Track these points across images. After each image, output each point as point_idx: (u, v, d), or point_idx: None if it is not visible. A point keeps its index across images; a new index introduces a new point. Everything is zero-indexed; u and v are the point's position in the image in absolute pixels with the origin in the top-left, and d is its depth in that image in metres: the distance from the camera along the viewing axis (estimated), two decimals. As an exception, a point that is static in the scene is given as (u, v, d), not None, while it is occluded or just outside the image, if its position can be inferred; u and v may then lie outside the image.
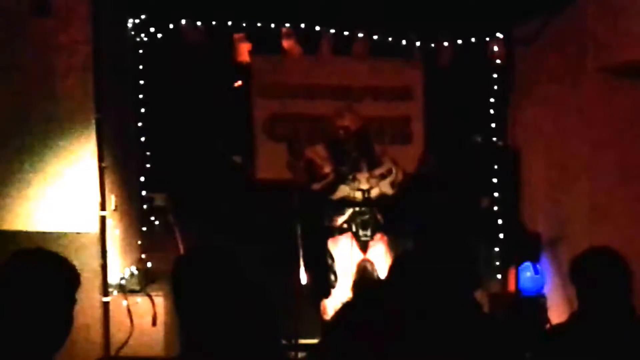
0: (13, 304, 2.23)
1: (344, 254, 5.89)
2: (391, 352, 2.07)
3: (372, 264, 5.90)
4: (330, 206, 5.98)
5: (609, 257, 3.15)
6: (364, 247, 5.92)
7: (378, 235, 5.96)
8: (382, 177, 6.01)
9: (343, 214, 5.94)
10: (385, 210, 6.05)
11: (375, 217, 5.98)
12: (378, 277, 5.79)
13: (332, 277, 5.94)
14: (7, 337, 2.21)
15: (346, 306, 2.28)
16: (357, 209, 5.92)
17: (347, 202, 5.93)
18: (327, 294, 5.95)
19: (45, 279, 2.28)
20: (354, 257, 5.89)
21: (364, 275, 5.82)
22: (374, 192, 5.96)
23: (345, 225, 5.94)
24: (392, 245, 6.03)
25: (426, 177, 6.23)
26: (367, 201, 5.93)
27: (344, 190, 5.92)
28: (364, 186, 5.94)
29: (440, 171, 6.31)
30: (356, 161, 5.95)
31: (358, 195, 5.92)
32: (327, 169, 5.93)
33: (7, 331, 2.21)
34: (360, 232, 5.91)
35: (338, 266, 5.92)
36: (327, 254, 5.98)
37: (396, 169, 6.08)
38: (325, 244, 6.00)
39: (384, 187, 6.00)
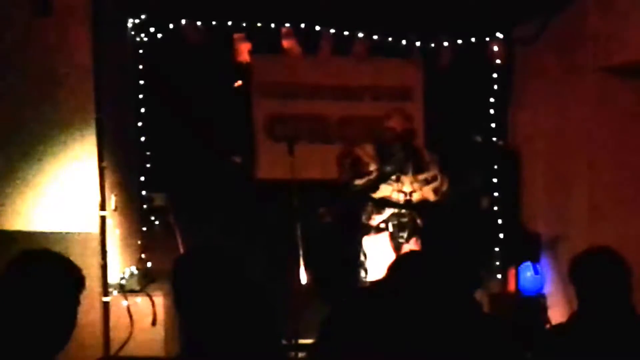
0: (18, 304, 2.25)
1: (379, 252, 5.85)
2: (391, 352, 2.07)
3: None
4: (371, 205, 5.94)
5: (609, 257, 3.15)
6: (397, 248, 5.89)
7: (413, 239, 5.93)
8: (427, 182, 5.96)
9: (382, 213, 5.92)
10: (426, 215, 6.02)
11: (414, 221, 5.94)
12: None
13: (363, 274, 5.92)
14: (12, 337, 2.22)
15: (344, 305, 2.28)
16: (396, 210, 5.89)
17: (388, 202, 5.91)
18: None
19: (51, 280, 2.29)
20: (388, 256, 5.85)
21: None
22: (416, 196, 5.92)
23: (382, 225, 5.92)
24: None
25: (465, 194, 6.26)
26: (408, 204, 5.90)
27: (386, 190, 5.89)
28: (407, 189, 5.89)
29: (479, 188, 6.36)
30: (402, 162, 5.91)
31: (400, 197, 5.89)
32: (372, 167, 5.92)
33: (12, 331, 2.23)
34: (398, 234, 5.89)
35: (370, 263, 5.89)
36: (361, 251, 5.96)
37: (442, 176, 6.03)
38: (360, 241, 5.96)
39: (427, 193, 5.95)
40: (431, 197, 5.96)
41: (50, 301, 2.27)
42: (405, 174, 5.91)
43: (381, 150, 5.96)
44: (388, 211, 5.90)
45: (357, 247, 5.94)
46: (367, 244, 5.93)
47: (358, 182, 5.90)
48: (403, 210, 5.89)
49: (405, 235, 5.89)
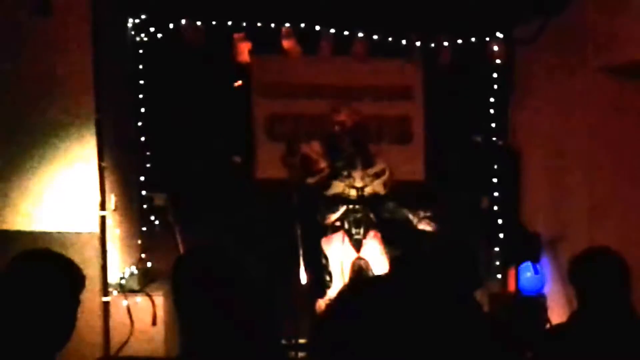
0: (19, 303, 2.26)
1: (337, 252, 5.87)
2: (390, 352, 2.07)
3: (366, 262, 5.89)
4: (324, 203, 5.96)
5: (609, 257, 3.15)
6: (357, 245, 5.91)
7: (371, 233, 5.94)
8: (377, 176, 6.01)
9: (336, 211, 5.93)
10: (377, 208, 6.03)
11: (368, 216, 5.97)
12: (373, 275, 5.78)
13: (327, 277, 5.93)
14: (12, 336, 2.22)
15: (337, 303, 2.28)
16: (350, 206, 5.90)
17: (341, 199, 5.92)
18: (322, 294, 5.94)
19: (51, 280, 2.30)
20: (347, 255, 5.88)
21: (359, 274, 5.81)
22: (368, 190, 5.95)
23: (337, 223, 5.92)
24: (385, 242, 6.02)
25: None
26: (360, 199, 5.92)
27: (338, 187, 5.91)
28: (359, 184, 5.93)
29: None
30: (351, 157, 5.93)
31: (352, 192, 5.90)
32: (322, 164, 5.91)
33: (12, 330, 2.23)
34: (353, 230, 5.90)
35: (332, 265, 5.90)
36: (321, 254, 5.97)
37: (388, 169, 6.07)
38: (319, 244, 5.98)
39: (377, 187, 6.00)
40: (381, 190, 6.00)
41: (51, 301, 2.28)
42: (355, 169, 5.92)
43: (328, 145, 5.96)
44: (342, 209, 5.91)
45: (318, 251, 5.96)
46: (326, 246, 5.93)
47: (310, 180, 5.90)
48: (357, 206, 5.89)
49: (361, 231, 5.90)
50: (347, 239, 5.88)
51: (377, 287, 1.68)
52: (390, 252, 5.95)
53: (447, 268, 3.07)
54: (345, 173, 5.90)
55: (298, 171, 5.93)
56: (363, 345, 1.94)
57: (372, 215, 5.98)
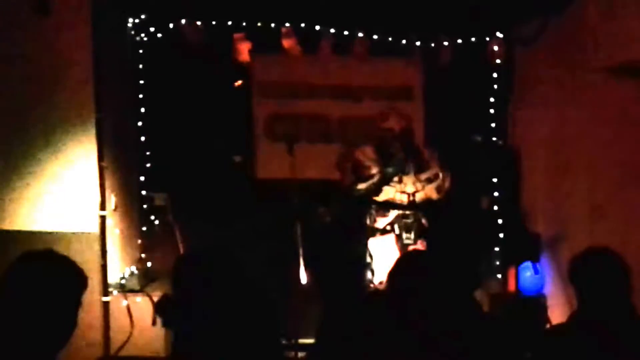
0: (21, 304, 2.27)
1: (385, 253, 5.80)
2: (390, 352, 2.07)
3: None
4: (375, 208, 5.91)
5: (609, 257, 3.15)
6: (404, 249, 5.82)
7: (420, 240, 5.88)
8: (429, 181, 5.90)
9: (387, 216, 5.88)
10: (430, 214, 5.97)
11: (420, 222, 5.91)
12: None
13: (369, 275, 5.88)
14: (14, 336, 2.23)
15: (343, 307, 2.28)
16: (401, 212, 5.86)
17: (392, 204, 5.87)
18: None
19: (53, 280, 2.32)
20: (394, 258, 5.80)
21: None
22: (420, 196, 5.88)
23: (388, 227, 5.88)
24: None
25: None
26: (412, 204, 5.86)
27: (389, 192, 5.85)
28: (410, 189, 5.85)
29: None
30: (403, 163, 5.86)
31: (403, 198, 5.85)
32: (374, 170, 5.88)
33: (14, 330, 2.24)
34: (404, 235, 5.83)
35: (376, 265, 5.84)
36: (367, 252, 5.91)
37: (443, 174, 5.98)
38: (366, 243, 5.92)
39: (430, 192, 5.90)
40: (434, 195, 5.92)
41: (53, 301, 2.29)
42: (407, 174, 5.87)
43: (380, 151, 5.93)
44: (393, 213, 5.86)
45: (363, 249, 5.91)
46: (373, 245, 5.90)
47: (361, 186, 5.86)
48: (407, 212, 5.86)
49: (412, 236, 5.83)
50: (397, 243, 5.83)
51: (377, 290, 1.69)
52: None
53: (448, 268, 3.07)
54: (396, 179, 5.86)
55: (350, 176, 5.90)
56: (364, 345, 1.95)
57: (424, 221, 5.92)
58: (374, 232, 5.88)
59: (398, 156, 5.84)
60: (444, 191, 5.92)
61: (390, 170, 5.80)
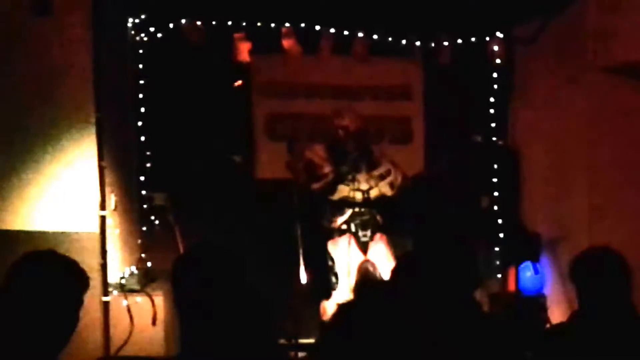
0: (23, 304, 2.28)
1: (344, 255, 5.87)
2: (390, 352, 2.07)
3: (373, 265, 5.89)
4: (330, 207, 5.96)
5: (609, 256, 3.15)
6: (364, 248, 5.90)
7: (377, 235, 5.94)
8: (382, 177, 6.00)
9: (342, 214, 5.93)
10: (384, 211, 6.03)
11: (375, 218, 5.96)
12: (381, 278, 5.77)
13: (333, 279, 5.93)
14: (16, 336, 2.24)
15: (345, 307, 2.28)
16: (356, 209, 5.90)
17: (347, 202, 5.92)
18: (327, 296, 5.94)
19: (55, 281, 2.33)
20: (354, 258, 5.87)
21: (366, 276, 5.81)
22: (374, 193, 5.95)
23: (344, 226, 5.92)
24: (392, 244, 6.02)
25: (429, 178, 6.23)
26: (366, 202, 5.91)
27: (343, 191, 5.91)
28: (364, 186, 5.92)
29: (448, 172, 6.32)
30: (355, 161, 5.93)
31: (358, 195, 5.90)
32: (327, 169, 5.92)
33: (16, 330, 2.24)
34: (360, 233, 5.90)
35: (338, 267, 5.90)
36: (328, 256, 5.97)
37: (395, 170, 6.06)
38: (325, 246, 5.98)
39: (383, 188, 5.99)
40: (388, 192, 5.99)
41: (54, 301, 2.30)
42: (359, 172, 5.92)
43: (333, 149, 5.95)
44: (348, 212, 5.91)
45: (323, 252, 5.95)
46: (332, 248, 5.93)
47: (315, 185, 5.90)
48: (363, 209, 5.89)
49: (368, 233, 5.90)
50: (354, 241, 5.87)
51: (379, 292, 1.69)
52: (397, 254, 5.95)
53: (447, 268, 3.06)
54: (350, 177, 5.89)
55: (302, 175, 5.92)
56: (365, 346, 1.95)
57: (378, 218, 5.97)
58: (332, 233, 5.91)
59: (352, 154, 5.87)
60: (397, 187, 5.99)
61: (344, 168, 5.83)
